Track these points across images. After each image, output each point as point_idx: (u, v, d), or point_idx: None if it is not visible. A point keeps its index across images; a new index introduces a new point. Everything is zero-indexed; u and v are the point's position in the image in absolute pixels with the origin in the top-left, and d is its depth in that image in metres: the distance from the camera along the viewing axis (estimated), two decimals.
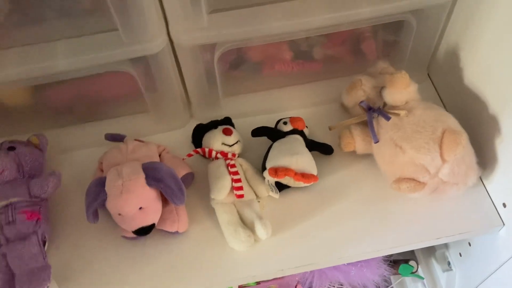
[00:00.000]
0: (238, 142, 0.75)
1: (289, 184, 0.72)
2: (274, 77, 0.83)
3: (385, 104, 0.71)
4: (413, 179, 0.66)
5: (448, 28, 0.78)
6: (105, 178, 0.64)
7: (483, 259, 0.80)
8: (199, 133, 0.77)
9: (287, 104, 0.83)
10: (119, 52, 0.64)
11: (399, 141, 0.66)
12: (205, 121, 0.79)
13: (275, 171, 0.68)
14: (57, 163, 0.78)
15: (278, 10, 0.66)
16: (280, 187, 0.72)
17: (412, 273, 0.93)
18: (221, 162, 0.72)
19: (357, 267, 0.81)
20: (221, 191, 0.69)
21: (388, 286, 1.01)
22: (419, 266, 0.96)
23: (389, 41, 0.81)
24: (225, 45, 0.69)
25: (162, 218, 0.67)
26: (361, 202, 0.72)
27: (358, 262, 0.82)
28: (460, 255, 0.88)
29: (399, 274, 0.93)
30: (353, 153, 0.75)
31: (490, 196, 0.72)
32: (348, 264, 0.82)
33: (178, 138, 0.81)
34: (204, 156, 0.75)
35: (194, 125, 0.79)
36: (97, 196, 0.63)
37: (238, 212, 0.70)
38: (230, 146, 0.74)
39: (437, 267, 0.95)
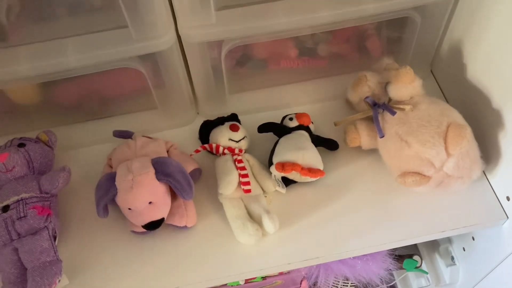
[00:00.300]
0: (245, 138, 0.76)
1: (295, 179, 0.73)
2: (279, 74, 0.84)
3: (390, 100, 0.72)
4: (418, 173, 0.67)
5: (451, 24, 0.79)
6: (115, 173, 0.65)
7: (487, 253, 0.81)
8: (206, 129, 0.78)
9: (292, 101, 0.84)
10: (128, 49, 0.65)
11: (404, 135, 0.67)
12: (211, 118, 0.80)
13: (282, 165, 0.69)
14: (65, 160, 0.79)
15: (284, 7, 0.67)
16: (287, 182, 0.73)
17: (416, 267, 0.94)
18: (228, 157, 0.73)
19: (363, 261, 0.82)
20: (229, 186, 0.70)
21: (391, 282, 1.02)
22: (423, 261, 0.97)
23: (393, 38, 0.82)
24: (232, 42, 0.70)
25: (170, 213, 0.68)
26: (366, 196, 0.73)
27: (364, 255, 0.83)
28: (464, 250, 0.89)
29: (404, 269, 0.94)
30: (359, 148, 0.76)
31: (493, 190, 0.73)
32: (354, 258, 0.83)
33: (184, 135, 0.82)
34: (211, 152, 0.76)
35: (201, 122, 0.80)
36: (107, 191, 0.64)
37: (245, 206, 0.71)
38: (237, 142, 0.75)
39: (440, 262, 0.96)
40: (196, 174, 0.75)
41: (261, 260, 0.68)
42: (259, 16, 0.67)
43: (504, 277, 0.78)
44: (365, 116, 0.74)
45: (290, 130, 0.76)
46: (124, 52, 0.66)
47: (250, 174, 0.72)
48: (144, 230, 0.67)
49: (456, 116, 0.67)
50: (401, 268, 0.93)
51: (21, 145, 0.71)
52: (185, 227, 0.69)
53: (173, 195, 0.69)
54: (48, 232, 0.66)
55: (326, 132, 0.79)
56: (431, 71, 0.88)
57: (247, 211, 0.70)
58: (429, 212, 0.71)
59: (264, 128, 0.76)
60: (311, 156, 0.71)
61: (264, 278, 0.91)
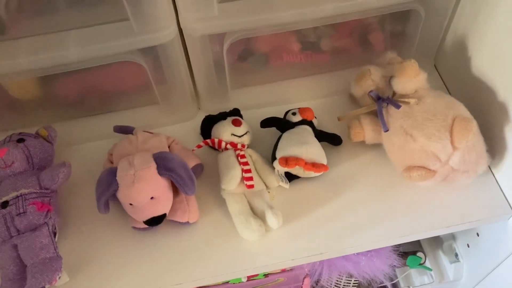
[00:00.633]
0: (247, 133, 0.75)
1: (298, 175, 0.72)
2: (282, 68, 0.83)
3: (394, 94, 0.71)
4: (424, 167, 0.66)
5: (455, 17, 0.78)
6: (116, 168, 0.64)
7: (492, 249, 0.80)
8: (208, 125, 0.77)
9: (295, 96, 0.83)
10: (130, 42, 0.65)
11: (409, 129, 0.66)
12: (213, 113, 0.79)
13: (286, 160, 0.68)
14: (65, 156, 0.78)
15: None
16: (290, 177, 0.72)
17: (420, 264, 0.93)
18: (230, 153, 0.72)
19: (367, 257, 0.81)
20: (232, 181, 0.69)
21: (394, 280, 1.01)
22: (426, 258, 0.96)
23: (396, 32, 0.82)
24: (235, 35, 0.69)
25: (172, 209, 0.67)
26: (370, 191, 0.72)
27: (368, 252, 0.82)
28: (468, 246, 0.88)
29: (407, 266, 0.93)
30: (362, 143, 0.75)
31: (499, 184, 0.72)
32: (358, 254, 0.82)
33: (186, 130, 0.82)
34: (213, 147, 0.75)
35: (202, 117, 0.80)
36: (108, 186, 0.63)
37: (248, 202, 0.70)
38: (240, 137, 0.74)
39: (444, 259, 0.95)
40: (198, 169, 0.74)
41: (264, 256, 0.67)
42: (262, 8, 0.66)
43: (509, 273, 0.77)
44: (369, 111, 0.73)
45: (293, 125, 0.75)
46: (125, 45, 0.65)
47: (253, 170, 0.71)
48: (146, 226, 0.66)
49: (461, 110, 0.67)
50: (405, 265, 0.92)
51: (21, 140, 0.70)
52: (187, 223, 0.68)
53: (175, 191, 0.68)
54: (48, 228, 0.65)
55: (329, 127, 0.78)
56: (435, 65, 0.87)
57: (250, 206, 0.69)
58: (434, 207, 0.70)
59: (266, 122, 0.76)
60: (314, 150, 0.71)
61: (266, 275, 0.90)
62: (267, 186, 0.72)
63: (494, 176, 0.73)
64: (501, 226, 0.74)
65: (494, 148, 0.71)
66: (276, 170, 0.71)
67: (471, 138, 0.63)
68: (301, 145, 0.70)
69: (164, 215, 0.65)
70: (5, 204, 0.64)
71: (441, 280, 0.94)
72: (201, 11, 0.64)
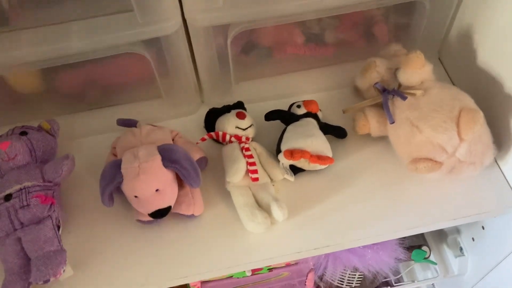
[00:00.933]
0: (252, 126, 0.74)
1: (303, 167, 0.71)
2: (286, 61, 0.82)
3: (399, 85, 0.71)
4: (430, 159, 0.65)
5: (460, 9, 0.78)
6: (120, 160, 0.64)
7: (497, 243, 0.80)
8: (212, 118, 0.77)
9: (298, 89, 0.83)
10: (134, 33, 0.64)
11: (415, 120, 0.66)
12: (216, 107, 0.78)
13: (291, 153, 0.68)
14: (68, 149, 0.76)
15: None
16: (295, 170, 0.72)
17: (425, 258, 0.93)
18: (235, 145, 0.72)
19: (373, 250, 0.81)
20: (237, 174, 0.68)
21: (397, 275, 1.00)
22: (431, 252, 0.95)
23: (400, 24, 0.81)
24: (239, 27, 0.68)
25: (177, 202, 0.67)
26: (376, 184, 0.72)
27: (374, 245, 0.82)
28: (473, 240, 0.88)
29: (412, 260, 0.93)
30: (367, 136, 0.74)
31: (505, 177, 0.72)
32: (364, 247, 0.81)
33: (189, 124, 0.81)
34: (217, 140, 0.74)
35: (205, 111, 0.79)
36: (113, 178, 0.62)
37: (253, 195, 0.69)
38: (244, 129, 0.73)
39: (449, 253, 0.95)
40: (203, 162, 0.73)
41: (270, 249, 0.67)
42: None
43: None
44: (374, 103, 0.73)
45: (298, 118, 0.74)
46: (129, 36, 0.64)
47: (257, 163, 0.71)
48: (151, 218, 0.65)
49: (468, 101, 0.66)
50: (410, 259, 0.92)
51: (23, 133, 0.70)
52: (192, 215, 0.67)
53: (180, 184, 0.67)
54: (52, 221, 0.64)
55: (334, 120, 0.78)
56: (439, 58, 0.87)
57: (255, 199, 0.69)
58: (440, 199, 0.70)
59: (271, 115, 0.75)
60: (320, 143, 0.70)
61: (270, 269, 0.89)
62: (271, 179, 0.72)
63: (500, 168, 0.72)
64: (507, 219, 0.74)
65: (500, 140, 0.70)
66: (281, 163, 0.70)
67: (478, 129, 0.63)
68: (307, 138, 0.69)
69: (169, 208, 0.65)
70: (8, 197, 0.64)
71: (445, 274, 0.94)
72: (205, 2, 0.63)
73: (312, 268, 0.89)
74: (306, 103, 0.75)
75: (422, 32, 0.79)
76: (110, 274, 0.66)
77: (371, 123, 0.72)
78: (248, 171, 0.69)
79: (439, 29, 0.80)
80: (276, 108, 0.77)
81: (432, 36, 0.81)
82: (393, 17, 0.80)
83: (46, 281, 0.60)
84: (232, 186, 0.69)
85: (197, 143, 0.74)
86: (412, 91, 0.67)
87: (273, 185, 0.72)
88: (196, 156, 0.71)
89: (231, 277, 0.89)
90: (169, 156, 0.63)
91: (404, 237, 0.88)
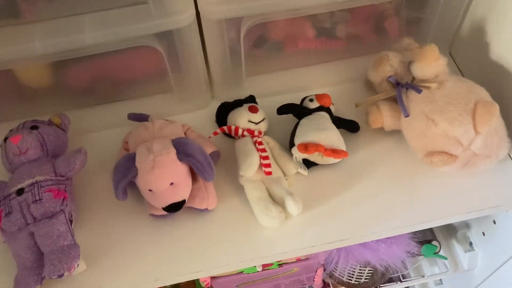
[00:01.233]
0: (264, 120, 0.74)
1: (316, 161, 0.71)
2: (297, 55, 0.82)
3: (413, 79, 0.71)
4: (445, 152, 0.65)
5: (473, 3, 0.77)
6: (134, 154, 0.63)
7: (509, 237, 0.80)
8: (223, 112, 0.76)
9: (310, 83, 0.82)
10: (147, 26, 0.63)
11: (431, 114, 0.65)
12: (227, 101, 0.78)
13: (305, 147, 0.67)
14: (78, 144, 0.75)
15: None
16: (308, 164, 0.71)
17: (435, 253, 0.93)
18: (248, 139, 0.71)
19: (386, 244, 0.81)
20: (250, 167, 0.68)
21: (404, 271, 1.00)
22: (441, 247, 0.95)
23: (412, 18, 0.81)
24: (252, 20, 0.68)
25: (191, 196, 0.66)
26: (390, 178, 0.71)
27: (388, 239, 0.82)
28: (484, 235, 0.87)
29: (422, 255, 0.92)
30: (380, 129, 0.74)
31: None
32: (378, 241, 0.81)
33: (199, 119, 0.80)
34: (229, 134, 0.74)
35: (216, 106, 0.79)
36: (127, 172, 0.62)
37: (267, 189, 0.69)
38: (257, 123, 0.73)
39: (458, 248, 0.95)
40: (215, 157, 0.73)
41: (284, 243, 0.66)
42: None
43: None
44: (388, 97, 0.73)
45: (310, 112, 0.74)
46: (142, 29, 0.64)
47: (270, 157, 0.70)
48: (164, 213, 0.65)
49: (483, 94, 0.66)
50: (420, 254, 0.92)
51: (34, 127, 0.69)
52: (206, 209, 0.67)
53: (193, 178, 0.67)
54: (65, 216, 0.64)
55: (346, 114, 0.77)
56: (450, 53, 0.87)
57: (269, 193, 0.68)
58: (454, 193, 0.70)
59: (283, 109, 0.75)
60: (333, 137, 0.70)
61: (280, 265, 0.89)
62: (284, 173, 0.72)
63: None
64: None
65: None
66: (294, 156, 0.70)
67: (494, 122, 0.63)
68: (320, 131, 0.69)
69: (183, 201, 0.64)
70: (20, 191, 0.63)
71: (455, 269, 0.94)
72: None
73: (322, 264, 0.89)
74: (319, 96, 0.74)
75: (434, 26, 0.78)
76: (123, 268, 0.65)
77: (385, 116, 0.72)
78: (261, 165, 0.69)
79: (451, 23, 0.79)
80: (288, 102, 0.76)
81: (444, 30, 0.80)
82: (405, 11, 0.80)
83: (60, 276, 0.59)
84: (245, 180, 0.69)
85: (209, 137, 0.73)
86: (427, 84, 0.67)
87: (286, 179, 0.71)
88: (208, 150, 0.71)
89: (241, 272, 0.88)
90: (183, 149, 0.63)
91: (415, 232, 0.88)
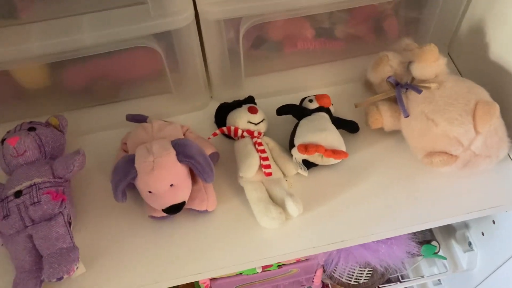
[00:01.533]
0: (264, 121, 0.73)
1: (316, 162, 0.71)
2: (296, 56, 0.82)
3: (413, 79, 0.70)
4: (446, 153, 0.65)
5: (471, 3, 0.77)
6: (133, 155, 0.63)
7: (508, 237, 0.80)
8: (222, 113, 0.76)
9: (309, 84, 0.82)
10: (146, 26, 0.63)
11: (431, 114, 0.65)
12: (225, 102, 0.77)
13: (305, 147, 0.67)
14: (76, 146, 0.74)
15: None
16: (307, 165, 0.71)
17: (435, 253, 0.93)
18: (247, 140, 0.71)
19: (387, 245, 0.81)
20: (250, 168, 0.67)
21: (403, 271, 1.00)
22: (440, 248, 0.95)
23: (411, 19, 0.81)
24: (251, 20, 0.68)
25: (190, 197, 0.66)
26: (390, 178, 0.71)
27: (388, 239, 0.81)
28: (483, 235, 0.87)
29: (421, 255, 0.92)
30: (379, 130, 0.74)
31: None
32: (378, 241, 0.81)
33: (198, 119, 0.80)
34: (228, 135, 0.74)
35: (215, 106, 0.78)
36: (126, 173, 0.61)
37: (267, 190, 0.68)
38: (256, 124, 0.72)
39: (457, 248, 0.95)
40: (214, 158, 0.72)
41: (284, 244, 0.66)
42: None
43: None
44: (387, 97, 0.72)
45: (310, 112, 0.74)
46: (141, 30, 0.63)
47: (270, 158, 0.70)
48: (164, 214, 0.64)
49: (483, 94, 0.66)
50: (419, 254, 0.91)
51: (32, 129, 0.69)
52: (206, 211, 0.67)
53: (193, 179, 0.66)
54: (64, 218, 0.63)
55: (345, 115, 0.77)
56: (448, 53, 0.87)
57: (269, 194, 0.68)
58: (453, 193, 0.70)
59: (283, 110, 0.74)
60: (334, 137, 0.70)
61: (280, 266, 0.89)
62: (284, 174, 0.71)
63: None
64: None
65: None
66: (294, 157, 0.70)
67: (494, 122, 0.63)
68: (321, 132, 0.69)
69: (183, 203, 0.64)
70: (18, 193, 0.63)
71: (454, 269, 0.94)
72: None
73: (321, 265, 0.88)
74: (319, 97, 0.74)
75: (432, 27, 0.78)
76: (122, 270, 0.65)
77: (384, 117, 0.72)
78: (261, 166, 0.68)
79: (450, 23, 0.79)
80: (287, 103, 0.76)
81: (443, 31, 0.80)
82: (404, 11, 0.80)
83: (60, 279, 0.59)
84: (245, 181, 0.68)
85: (208, 138, 0.73)
86: (427, 85, 0.67)
87: (286, 180, 0.71)
88: (207, 151, 0.70)
89: (240, 274, 0.88)
90: (183, 150, 0.62)
91: (415, 232, 0.88)
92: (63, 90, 0.77)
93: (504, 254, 0.81)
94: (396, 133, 0.73)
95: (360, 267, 0.91)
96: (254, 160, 0.68)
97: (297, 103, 0.77)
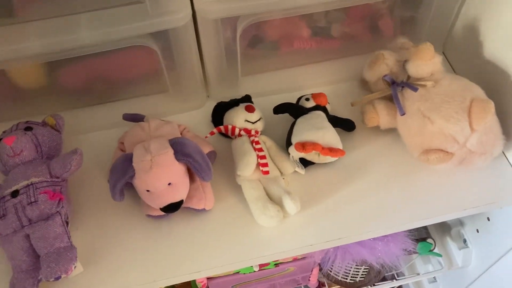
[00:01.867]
0: (261, 119, 0.74)
1: (313, 160, 0.71)
2: (292, 55, 0.82)
3: (408, 78, 0.71)
4: (442, 150, 0.66)
5: (466, 2, 0.78)
6: (131, 154, 0.63)
7: (502, 234, 0.81)
8: (219, 111, 0.76)
9: (305, 83, 0.82)
10: (143, 25, 0.63)
11: (427, 112, 0.66)
12: (222, 101, 0.78)
13: (303, 145, 0.67)
14: (73, 145, 0.74)
15: None
16: (304, 163, 0.71)
17: (430, 251, 0.93)
18: (245, 139, 0.71)
19: (383, 242, 0.81)
20: (248, 167, 0.68)
21: (398, 269, 1.01)
22: (435, 245, 0.96)
23: (406, 18, 0.81)
24: (248, 19, 0.68)
25: (188, 196, 0.66)
26: (386, 176, 0.72)
27: (384, 236, 0.82)
28: (478, 232, 0.88)
29: (417, 253, 0.93)
30: (375, 128, 0.74)
31: None
32: (375, 239, 0.82)
33: (195, 119, 0.80)
34: (226, 134, 0.74)
35: (211, 106, 0.79)
36: (124, 172, 0.61)
37: (264, 188, 0.69)
38: (253, 123, 0.73)
39: (452, 245, 0.96)
40: (212, 157, 0.72)
41: (282, 242, 0.66)
42: None
43: None
44: (383, 95, 0.73)
45: (306, 111, 0.74)
46: (139, 29, 0.63)
47: (267, 156, 0.70)
48: (162, 213, 0.64)
49: (479, 92, 0.67)
50: (415, 252, 0.92)
51: (28, 128, 0.69)
52: (203, 210, 0.67)
53: (190, 178, 0.67)
54: (61, 218, 0.63)
55: (341, 113, 0.77)
56: (443, 52, 0.87)
57: (267, 193, 0.68)
58: (449, 190, 0.70)
59: (280, 108, 0.75)
60: (330, 136, 0.70)
61: (277, 265, 0.89)
62: (281, 173, 0.72)
63: (507, 160, 0.73)
64: None
65: (508, 131, 0.70)
66: (291, 156, 0.70)
67: (490, 119, 0.63)
68: (317, 130, 0.69)
69: (181, 202, 0.64)
70: (15, 193, 0.62)
71: (450, 266, 0.95)
72: None
73: (318, 263, 0.89)
74: (315, 96, 0.75)
75: (427, 26, 0.79)
76: (120, 269, 0.65)
77: (381, 115, 0.72)
78: (258, 164, 0.69)
79: (445, 22, 0.80)
80: (284, 102, 0.76)
81: (438, 30, 0.81)
82: (399, 10, 0.80)
83: (57, 278, 0.59)
84: (242, 180, 0.69)
85: (206, 137, 0.73)
86: (422, 83, 0.67)
87: (283, 178, 0.71)
88: (205, 150, 0.70)
89: (237, 272, 0.88)
90: (181, 149, 0.62)
91: (411, 229, 0.89)
92: (60, 89, 0.77)
93: (498, 251, 0.82)
94: (392, 131, 0.74)
95: (356, 265, 0.91)
96: (251, 159, 0.68)
97: (294, 101, 0.78)
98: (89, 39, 0.62)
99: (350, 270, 0.94)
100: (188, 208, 0.67)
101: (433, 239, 0.95)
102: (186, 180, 0.64)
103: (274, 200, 0.67)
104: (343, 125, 0.75)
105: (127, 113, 0.74)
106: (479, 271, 0.90)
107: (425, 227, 0.99)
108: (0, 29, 0.63)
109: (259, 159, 0.69)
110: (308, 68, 0.84)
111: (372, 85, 0.77)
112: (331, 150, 0.68)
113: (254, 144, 0.70)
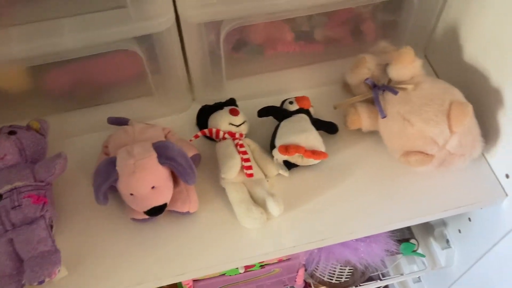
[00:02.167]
0: (245, 122, 0.75)
1: (297, 163, 0.72)
2: (276, 59, 0.83)
3: (390, 81, 0.72)
4: (422, 152, 0.67)
5: (446, 5, 0.79)
6: (115, 158, 0.63)
7: (483, 234, 0.82)
8: (204, 115, 0.77)
9: (289, 86, 0.83)
10: (127, 29, 0.64)
11: (407, 114, 0.67)
12: (207, 104, 0.78)
13: (286, 148, 0.68)
14: (58, 149, 0.74)
15: None
16: (288, 166, 0.72)
17: (413, 251, 0.95)
18: (229, 142, 0.72)
19: (366, 243, 0.82)
20: (232, 169, 0.68)
21: (383, 269, 1.02)
22: (419, 246, 0.97)
23: (388, 22, 0.83)
24: (232, 23, 0.68)
25: (172, 199, 0.66)
26: (368, 178, 0.73)
27: (367, 238, 0.83)
28: (459, 232, 0.90)
29: (400, 253, 0.94)
30: (358, 131, 0.75)
31: (492, 169, 0.74)
32: (357, 240, 0.83)
33: (180, 122, 0.81)
34: (210, 137, 0.74)
35: (196, 109, 0.79)
36: (108, 176, 0.62)
37: (248, 191, 0.69)
38: (237, 126, 0.73)
39: (435, 246, 0.97)
40: (196, 160, 0.73)
41: (265, 244, 0.67)
42: None
43: (500, 258, 0.79)
44: (365, 98, 0.74)
45: (290, 114, 0.75)
46: (122, 33, 0.64)
47: (251, 159, 0.71)
48: (146, 216, 0.65)
49: (458, 94, 0.68)
50: (398, 252, 0.93)
51: (12, 132, 0.68)
52: (188, 213, 0.67)
53: (174, 181, 0.67)
54: (45, 221, 0.63)
55: (324, 116, 0.78)
56: (425, 55, 0.89)
57: (251, 195, 0.69)
58: (430, 192, 0.72)
59: (264, 112, 0.75)
60: (313, 138, 0.71)
61: (262, 266, 0.89)
62: (265, 175, 0.72)
63: (487, 161, 0.75)
64: (494, 210, 0.76)
65: (487, 133, 0.72)
66: (275, 158, 0.71)
67: (468, 121, 0.65)
68: (301, 133, 0.70)
69: (165, 205, 0.64)
70: None
71: (433, 266, 0.96)
72: None
73: (303, 264, 0.90)
74: (299, 99, 0.76)
75: (409, 29, 0.80)
76: (105, 273, 0.65)
77: (363, 118, 0.73)
78: (242, 167, 0.69)
79: (426, 26, 0.81)
80: (268, 105, 0.77)
81: (419, 33, 0.82)
82: (381, 14, 0.81)
83: (41, 282, 0.59)
84: (227, 183, 0.69)
85: (190, 140, 0.74)
86: (403, 86, 0.69)
87: (267, 181, 0.72)
88: (189, 153, 0.71)
89: (223, 274, 0.88)
90: (164, 153, 0.63)
91: (394, 230, 0.90)
92: (45, 93, 0.77)
93: (479, 251, 0.83)
94: (374, 134, 0.75)
95: (340, 266, 0.92)
96: (235, 162, 0.69)
97: (278, 105, 0.79)
98: (72, 43, 0.63)
99: (335, 271, 0.95)
100: (173, 211, 0.67)
101: (416, 240, 0.96)
102: (169, 183, 0.65)
103: (258, 203, 0.68)
104: (326, 127, 0.76)
105: (111, 117, 0.75)
106: (461, 271, 0.92)
107: (408, 228, 1.00)
108: None
109: (243, 162, 0.69)
110: (291, 71, 0.85)
111: (354, 88, 0.78)
112: (314, 153, 0.69)
113: (238, 147, 0.71)
